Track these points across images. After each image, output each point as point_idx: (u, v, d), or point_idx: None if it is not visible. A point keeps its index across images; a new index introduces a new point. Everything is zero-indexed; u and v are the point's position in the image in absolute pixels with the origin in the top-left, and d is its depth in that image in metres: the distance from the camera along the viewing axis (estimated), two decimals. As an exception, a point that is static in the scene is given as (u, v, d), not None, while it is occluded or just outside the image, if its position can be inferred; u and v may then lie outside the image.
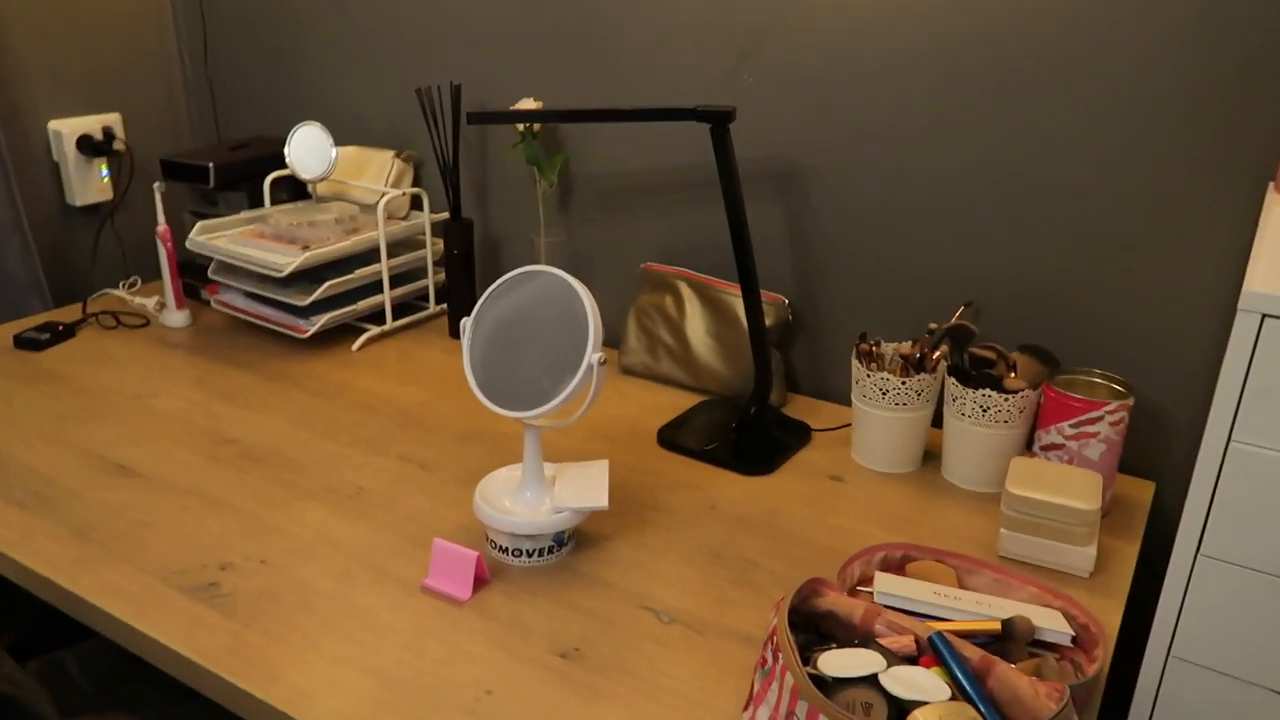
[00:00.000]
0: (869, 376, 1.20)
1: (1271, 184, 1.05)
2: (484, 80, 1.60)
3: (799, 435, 1.30)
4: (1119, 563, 1.05)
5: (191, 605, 0.95)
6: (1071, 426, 1.10)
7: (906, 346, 1.22)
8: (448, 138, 1.60)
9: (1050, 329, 1.25)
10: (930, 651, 0.75)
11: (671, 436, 1.28)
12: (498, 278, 1.01)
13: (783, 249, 1.41)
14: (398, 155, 1.67)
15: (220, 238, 1.56)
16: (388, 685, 0.86)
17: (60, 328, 1.57)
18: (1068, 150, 1.18)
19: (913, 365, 1.20)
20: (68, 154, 1.74)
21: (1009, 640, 0.86)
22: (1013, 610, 0.90)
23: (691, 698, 0.85)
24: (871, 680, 0.71)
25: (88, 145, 1.75)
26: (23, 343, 1.54)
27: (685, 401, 1.40)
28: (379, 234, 1.55)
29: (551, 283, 0.98)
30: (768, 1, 1.30)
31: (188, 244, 1.55)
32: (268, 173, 1.65)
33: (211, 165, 1.61)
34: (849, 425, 1.33)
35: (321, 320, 1.52)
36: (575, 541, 1.06)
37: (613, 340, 1.58)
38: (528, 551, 1.02)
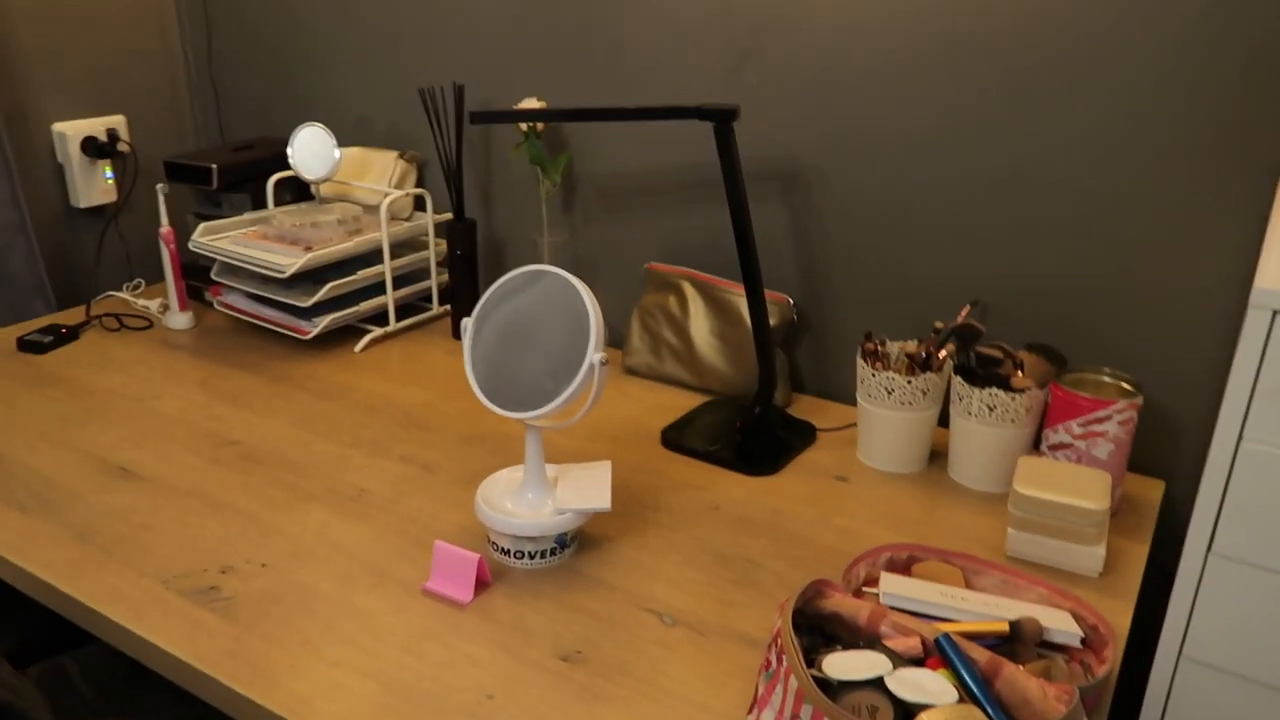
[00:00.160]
0: (874, 376, 1.19)
1: (1281, 179, 1.04)
2: (487, 80, 1.59)
3: (803, 435, 1.29)
4: (1128, 563, 1.04)
5: (192, 609, 0.95)
6: (1080, 425, 1.09)
7: (912, 346, 1.21)
8: (451, 138, 1.59)
9: (1057, 328, 1.24)
10: (937, 653, 0.75)
11: (675, 437, 1.27)
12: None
13: (787, 248, 1.40)
14: (401, 156, 1.67)
15: (223, 239, 1.55)
16: (389, 689, 0.85)
17: (64, 330, 1.57)
18: (1070, 149, 1.17)
19: (919, 364, 1.19)
20: (72, 156, 1.74)
21: (1017, 642, 0.85)
22: (1021, 611, 0.89)
23: (694, 701, 0.84)
24: (877, 683, 0.71)
25: (92, 147, 1.76)
26: (26, 345, 1.54)
27: (689, 402, 1.40)
28: (382, 235, 1.54)
29: (553, 282, 0.97)
30: (768, 1, 1.30)
31: (191, 245, 1.55)
32: (271, 174, 1.65)
33: (215, 167, 1.61)
34: (854, 425, 1.32)
35: (324, 321, 1.52)
36: (578, 543, 1.06)
37: (616, 340, 1.57)
38: (530, 553, 1.02)
